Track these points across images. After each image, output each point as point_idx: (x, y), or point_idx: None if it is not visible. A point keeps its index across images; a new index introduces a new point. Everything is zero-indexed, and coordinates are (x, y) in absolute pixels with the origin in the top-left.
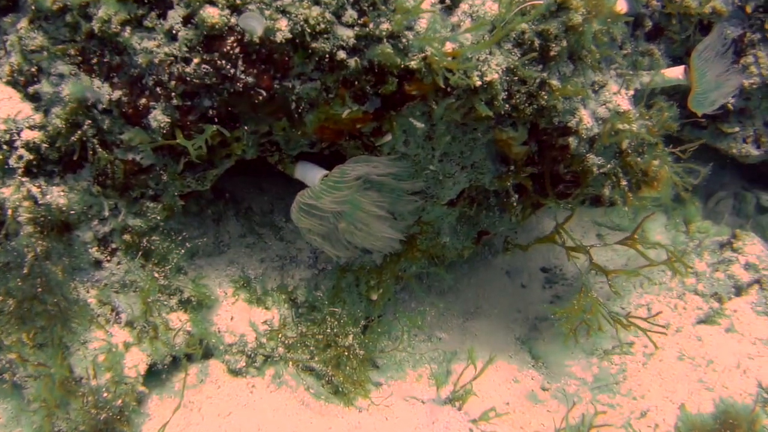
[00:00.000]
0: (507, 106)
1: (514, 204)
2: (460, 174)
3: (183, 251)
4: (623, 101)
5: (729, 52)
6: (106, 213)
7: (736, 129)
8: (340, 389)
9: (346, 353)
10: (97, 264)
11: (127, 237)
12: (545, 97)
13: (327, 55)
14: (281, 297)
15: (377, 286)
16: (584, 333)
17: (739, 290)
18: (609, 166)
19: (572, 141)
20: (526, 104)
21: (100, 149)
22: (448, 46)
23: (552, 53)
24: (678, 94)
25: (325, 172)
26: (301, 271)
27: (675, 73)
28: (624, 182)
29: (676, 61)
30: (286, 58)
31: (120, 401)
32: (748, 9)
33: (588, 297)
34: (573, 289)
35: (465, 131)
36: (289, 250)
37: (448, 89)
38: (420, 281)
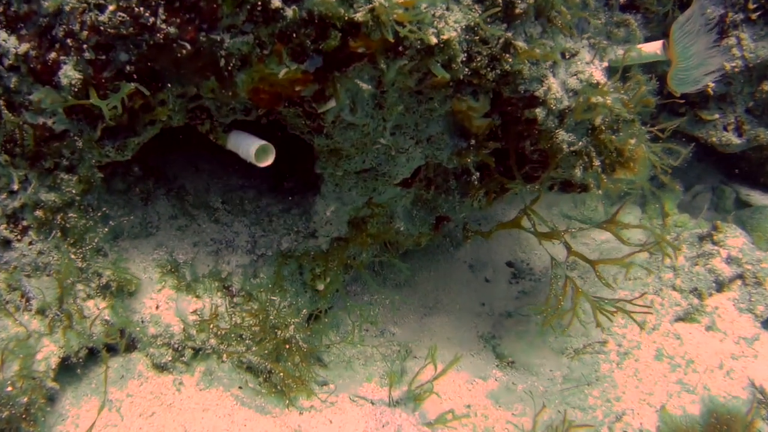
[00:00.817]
0: (467, 70)
1: (476, 184)
2: (415, 149)
3: (106, 230)
4: (597, 72)
5: (713, 28)
6: (16, 186)
7: (716, 116)
8: (280, 387)
9: (287, 346)
10: (6, 244)
11: (39, 213)
12: (509, 60)
13: (260, 4)
14: (213, 284)
15: (324, 275)
16: (554, 330)
17: (720, 286)
18: (580, 144)
19: (539, 113)
20: (488, 69)
21: (6, 112)
22: None
23: (517, 10)
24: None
25: (262, 142)
26: (237, 257)
27: (653, 48)
28: (597, 162)
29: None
30: (214, 6)
31: (26, 398)
32: None
33: (578, 292)
34: (541, 285)
35: (420, 101)
36: (224, 233)
37: (400, 48)
38: (374, 272)
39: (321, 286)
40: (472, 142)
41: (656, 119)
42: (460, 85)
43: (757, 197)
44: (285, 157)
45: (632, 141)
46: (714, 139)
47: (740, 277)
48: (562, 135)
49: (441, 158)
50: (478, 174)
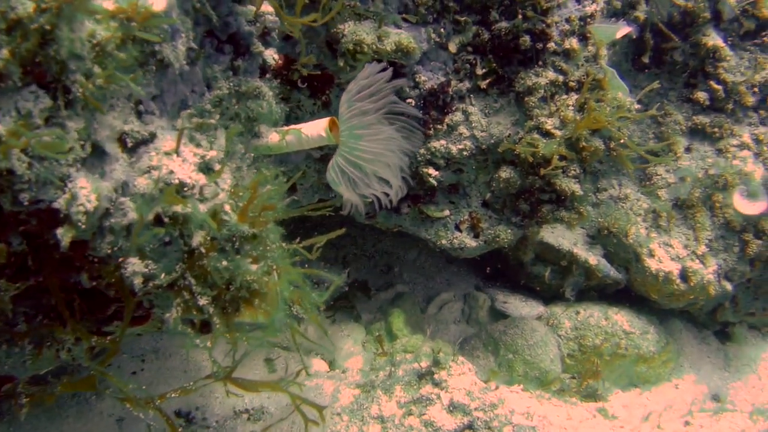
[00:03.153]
0: None
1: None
2: None
3: None
4: (184, 168)
5: (421, 100)
6: None
7: (446, 212)
8: None
9: None
10: None
11: None
12: None
13: None
14: None
15: None
16: None
17: None
18: (165, 276)
19: (64, 234)
20: None
21: None
22: None
23: None
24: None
25: None
26: None
27: (317, 130)
28: (204, 301)
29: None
30: None
31: None
32: (452, 48)
33: None
34: None
35: None
36: None
37: None
38: None
39: None
40: None
41: (373, 218)
42: None
43: (516, 304)
44: None
45: (255, 268)
46: (444, 241)
47: (469, 428)
48: (135, 264)
49: None
50: None
